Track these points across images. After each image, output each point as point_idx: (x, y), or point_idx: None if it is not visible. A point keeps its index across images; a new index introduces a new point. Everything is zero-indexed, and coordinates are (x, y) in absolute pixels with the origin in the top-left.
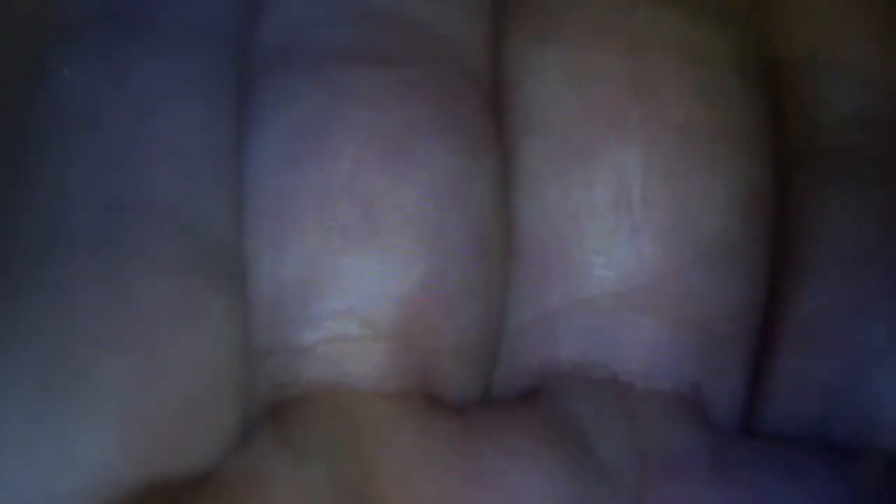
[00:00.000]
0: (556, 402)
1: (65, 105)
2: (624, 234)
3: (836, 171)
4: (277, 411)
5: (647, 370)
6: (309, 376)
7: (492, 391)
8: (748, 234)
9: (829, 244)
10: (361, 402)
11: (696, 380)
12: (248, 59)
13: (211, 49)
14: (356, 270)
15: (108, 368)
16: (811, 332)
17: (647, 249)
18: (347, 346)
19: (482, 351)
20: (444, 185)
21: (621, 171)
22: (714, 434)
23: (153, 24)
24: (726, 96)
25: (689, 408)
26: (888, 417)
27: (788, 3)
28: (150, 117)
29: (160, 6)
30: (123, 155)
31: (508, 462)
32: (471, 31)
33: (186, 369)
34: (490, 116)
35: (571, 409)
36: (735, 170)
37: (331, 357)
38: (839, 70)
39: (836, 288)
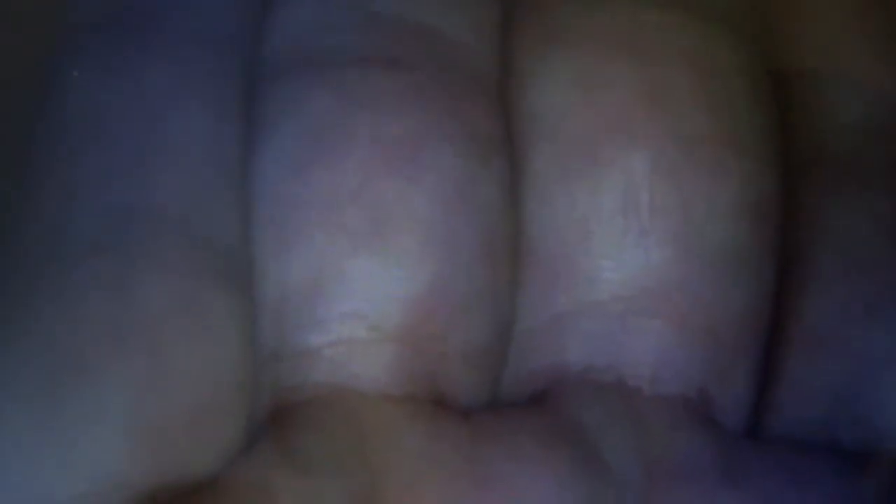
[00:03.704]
0: (563, 406)
1: (72, 110)
2: (631, 239)
3: (842, 180)
4: (283, 415)
5: (654, 374)
6: (315, 379)
7: (499, 395)
8: (755, 241)
9: (835, 251)
10: (368, 405)
11: (704, 384)
12: (257, 64)
13: (219, 53)
14: (363, 273)
15: (114, 373)
16: (818, 338)
17: (655, 254)
18: (354, 348)
19: (490, 355)
20: (453, 189)
21: (629, 176)
22: (721, 438)
23: (161, 30)
24: (733, 104)
25: (696, 412)
26: (894, 423)
27: (795, 14)
28: (157, 122)
29: (168, 11)
30: (131, 160)
31: (516, 466)
32: (480, 35)
33: (192, 374)
34: (499, 121)
35: (579, 413)
36: (742, 177)
37: (338, 360)
38: (845, 80)
39: (842, 294)
